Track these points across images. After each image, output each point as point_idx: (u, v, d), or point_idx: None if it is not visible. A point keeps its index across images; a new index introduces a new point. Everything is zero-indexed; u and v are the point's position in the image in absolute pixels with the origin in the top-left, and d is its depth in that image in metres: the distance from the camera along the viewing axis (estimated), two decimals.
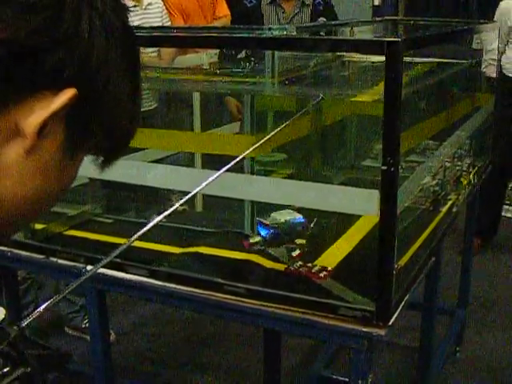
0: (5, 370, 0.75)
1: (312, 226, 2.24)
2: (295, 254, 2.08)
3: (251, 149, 1.52)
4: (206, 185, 1.31)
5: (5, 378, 0.74)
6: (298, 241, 2.18)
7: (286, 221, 2.25)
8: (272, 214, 2.26)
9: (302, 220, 2.26)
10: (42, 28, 0.62)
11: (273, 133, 1.57)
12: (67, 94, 0.64)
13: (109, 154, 0.76)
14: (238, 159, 1.45)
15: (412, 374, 3.15)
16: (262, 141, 1.54)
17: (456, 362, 3.48)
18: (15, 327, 0.80)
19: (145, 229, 1.10)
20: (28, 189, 0.68)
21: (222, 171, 1.41)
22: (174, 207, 1.23)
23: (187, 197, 1.28)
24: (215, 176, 1.36)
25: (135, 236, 1.09)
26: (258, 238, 2.20)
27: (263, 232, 2.22)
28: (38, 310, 0.87)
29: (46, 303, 0.89)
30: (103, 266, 1.99)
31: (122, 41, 0.69)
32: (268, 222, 2.23)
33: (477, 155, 3.06)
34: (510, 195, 5.36)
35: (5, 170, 0.66)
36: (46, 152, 0.67)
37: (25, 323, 0.82)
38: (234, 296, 1.88)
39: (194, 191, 1.30)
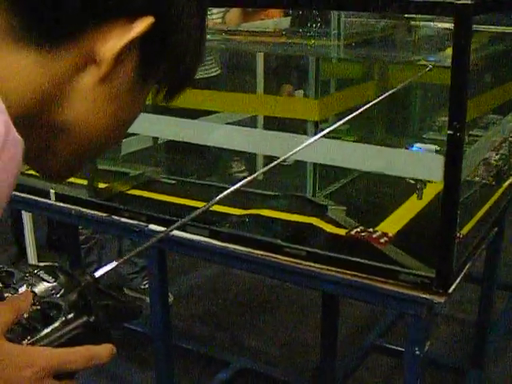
0: (69, 316, 0.76)
1: None
2: None
3: (343, 120, 1.45)
4: (298, 151, 1.25)
5: (67, 325, 0.76)
6: None
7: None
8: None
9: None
10: None
11: (361, 109, 1.50)
12: (145, 22, 0.65)
13: (174, 85, 0.77)
14: (333, 127, 1.40)
15: (469, 348, 3.12)
16: (348, 118, 1.48)
17: None
18: (88, 276, 0.81)
19: (225, 192, 1.08)
20: (99, 117, 0.69)
21: (315, 137, 1.34)
22: (260, 171, 1.20)
23: (276, 162, 1.19)
24: (308, 143, 1.27)
25: (215, 199, 1.07)
26: None
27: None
28: (114, 262, 0.86)
29: (122, 259, 0.88)
30: (165, 226, 2.01)
31: None
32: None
33: None
34: None
35: (79, 97, 0.67)
36: (119, 79, 0.68)
37: (99, 274, 0.83)
38: (294, 258, 1.88)
39: (283, 157, 1.23)
